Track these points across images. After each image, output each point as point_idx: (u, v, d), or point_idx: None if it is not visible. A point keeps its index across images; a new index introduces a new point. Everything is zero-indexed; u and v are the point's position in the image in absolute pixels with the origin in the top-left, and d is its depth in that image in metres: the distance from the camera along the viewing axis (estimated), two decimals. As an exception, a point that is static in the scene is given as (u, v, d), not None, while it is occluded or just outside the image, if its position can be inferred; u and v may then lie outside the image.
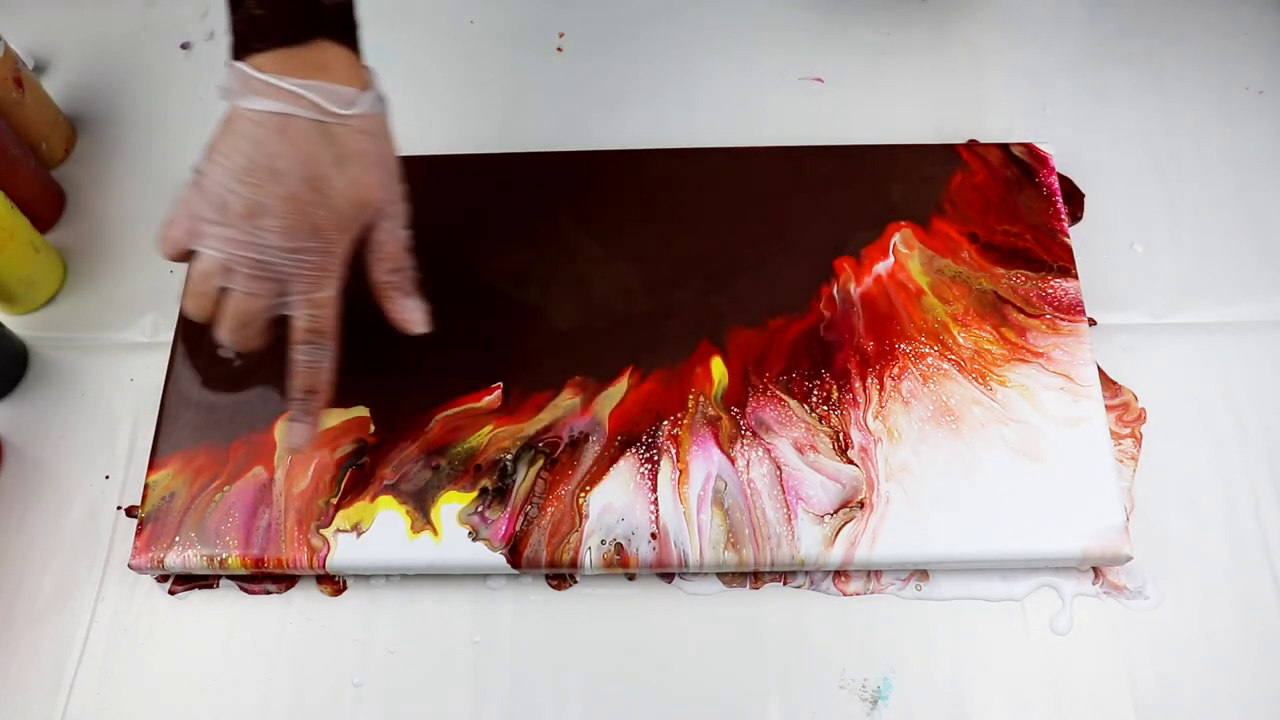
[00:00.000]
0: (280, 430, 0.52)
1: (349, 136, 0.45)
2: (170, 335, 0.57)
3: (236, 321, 0.46)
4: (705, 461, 0.51)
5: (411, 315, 0.49)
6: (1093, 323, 0.56)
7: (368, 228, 0.47)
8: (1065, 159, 0.60)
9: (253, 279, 0.44)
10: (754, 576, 0.51)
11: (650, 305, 0.56)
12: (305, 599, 0.52)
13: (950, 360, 0.53)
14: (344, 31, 0.46)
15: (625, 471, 0.51)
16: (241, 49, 0.44)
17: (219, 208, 0.44)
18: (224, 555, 0.51)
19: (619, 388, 0.53)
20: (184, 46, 0.70)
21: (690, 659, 0.50)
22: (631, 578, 0.52)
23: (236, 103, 0.44)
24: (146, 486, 0.52)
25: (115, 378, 0.58)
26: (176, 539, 0.51)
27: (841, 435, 0.52)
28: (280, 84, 0.43)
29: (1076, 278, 0.55)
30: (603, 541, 0.50)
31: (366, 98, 0.46)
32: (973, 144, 0.60)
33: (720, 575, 0.51)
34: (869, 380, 0.53)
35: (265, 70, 0.43)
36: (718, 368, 0.54)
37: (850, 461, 0.51)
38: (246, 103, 0.44)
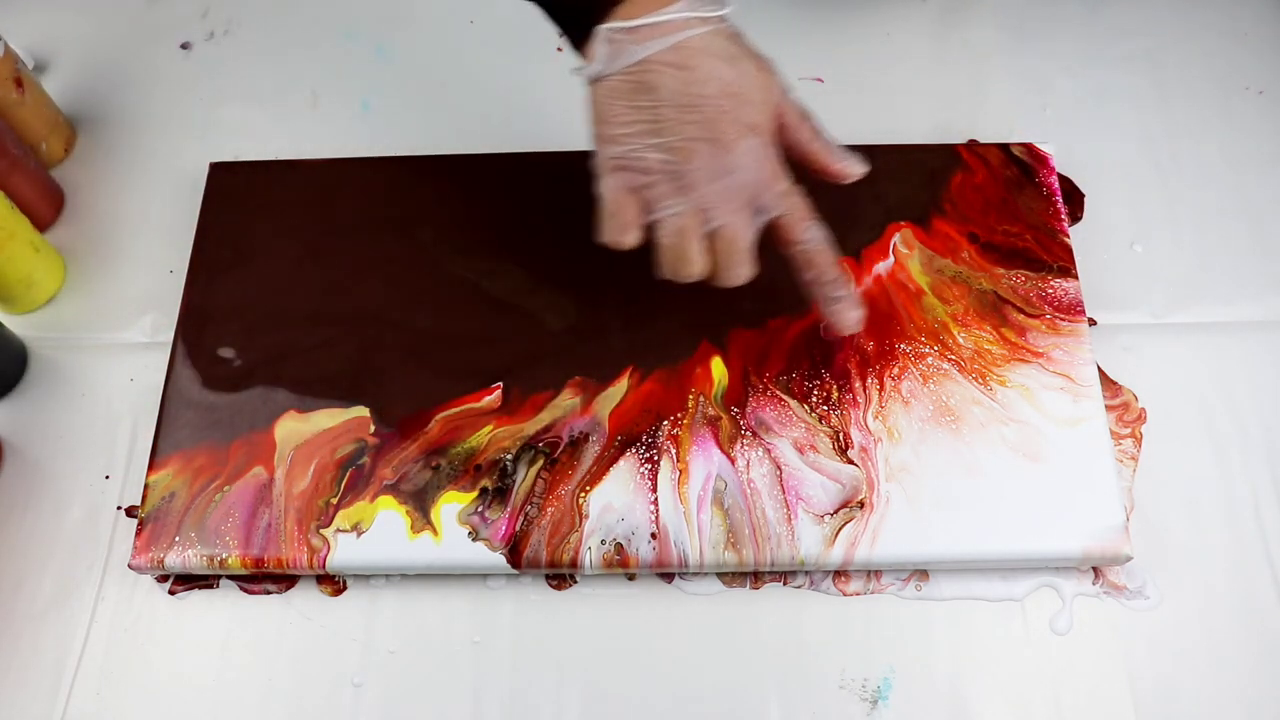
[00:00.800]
0: (832, 319, 0.49)
1: (729, 37, 0.45)
2: (170, 335, 0.57)
3: (734, 258, 0.46)
4: (705, 461, 0.51)
5: (849, 162, 0.49)
6: (1093, 323, 0.56)
7: (781, 109, 0.46)
8: (1065, 159, 0.60)
9: (731, 211, 0.45)
10: (754, 576, 0.51)
11: (650, 305, 0.56)
12: (305, 599, 0.52)
13: (950, 360, 0.53)
14: None
15: (625, 471, 0.51)
16: (593, 14, 0.44)
17: (662, 172, 0.44)
18: (224, 555, 0.51)
19: (619, 388, 0.53)
20: (184, 46, 0.70)
21: (690, 659, 0.50)
22: (631, 578, 0.52)
23: (605, 72, 0.44)
24: (146, 486, 0.52)
25: (115, 378, 0.58)
26: (176, 539, 0.51)
27: (841, 435, 0.52)
28: (657, 19, 0.43)
29: (1076, 278, 0.55)
30: (603, 541, 0.50)
31: (732, 2, 0.46)
32: (973, 144, 0.60)
33: (720, 575, 0.51)
34: (869, 380, 0.53)
35: (636, 16, 0.43)
36: (718, 368, 0.54)
37: (850, 461, 0.51)
38: (621, 62, 0.43)
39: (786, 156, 0.47)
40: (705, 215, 0.45)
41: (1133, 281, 0.58)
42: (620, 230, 0.46)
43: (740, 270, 0.46)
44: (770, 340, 0.54)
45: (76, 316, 0.61)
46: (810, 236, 0.47)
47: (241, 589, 0.53)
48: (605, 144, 0.45)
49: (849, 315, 0.49)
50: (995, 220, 0.57)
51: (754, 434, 0.52)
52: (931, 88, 0.65)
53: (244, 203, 0.60)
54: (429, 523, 0.51)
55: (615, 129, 0.45)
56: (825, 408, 0.52)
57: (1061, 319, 0.54)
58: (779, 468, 0.51)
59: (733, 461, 0.51)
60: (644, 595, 0.51)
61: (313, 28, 0.70)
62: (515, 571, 0.50)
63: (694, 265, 0.46)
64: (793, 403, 0.53)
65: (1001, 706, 0.48)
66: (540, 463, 0.52)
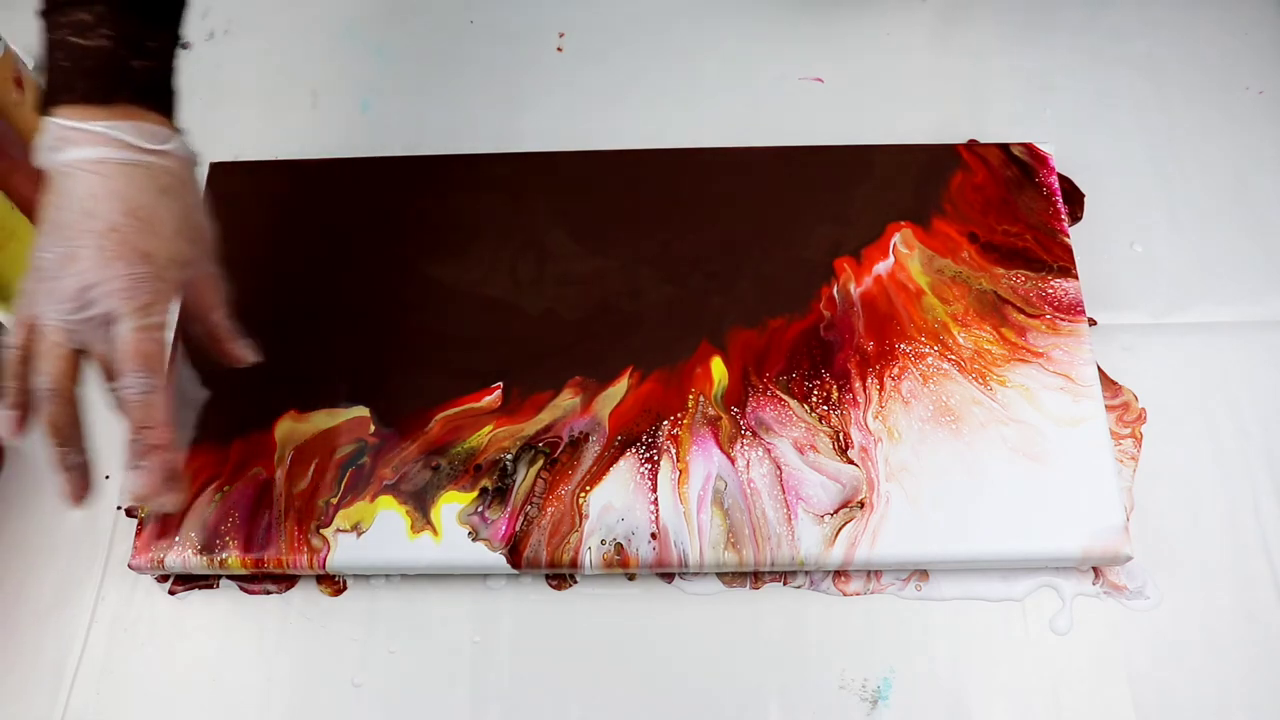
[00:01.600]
0: (125, 482, 0.46)
1: (164, 171, 0.44)
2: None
3: (69, 376, 0.43)
4: (705, 461, 0.51)
5: (244, 352, 0.49)
6: (1093, 323, 0.56)
7: (191, 269, 0.45)
8: (1065, 159, 0.60)
9: (82, 321, 0.42)
10: (754, 576, 0.51)
11: (650, 305, 0.56)
12: (305, 599, 0.52)
13: (950, 360, 0.53)
14: (155, 97, 0.45)
15: (625, 471, 0.51)
16: (50, 100, 0.43)
17: (40, 275, 0.42)
18: (224, 555, 0.51)
19: (619, 388, 0.53)
20: (184, 46, 0.70)
21: (690, 659, 0.50)
22: (631, 578, 0.52)
23: (52, 161, 0.43)
24: (146, 486, 0.52)
25: (115, 378, 0.58)
26: (176, 539, 0.51)
27: (841, 435, 0.52)
28: (89, 126, 0.42)
29: (1076, 278, 0.55)
30: (603, 541, 0.50)
31: (178, 140, 0.45)
32: (973, 144, 0.60)
33: (720, 575, 0.51)
34: (869, 380, 0.53)
35: (73, 119, 0.42)
36: (718, 368, 0.54)
37: (850, 461, 0.51)
38: (62, 156, 0.43)
39: (190, 322, 0.47)
40: (67, 325, 0.42)
41: (1133, 281, 0.58)
42: (10, 346, 0.43)
43: (58, 386, 0.43)
44: (770, 340, 0.54)
45: (76, 316, 0.61)
46: (132, 383, 0.43)
47: (241, 589, 0.53)
48: (35, 240, 0.43)
49: (135, 485, 0.44)
50: (995, 220, 0.57)
51: (754, 434, 0.52)
52: (931, 88, 0.65)
53: (244, 203, 0.60)
54: (429, 523, 0.51)
55: (38, 225, 0.43)
56: (825, 408, 0.52)
57: (1061, 319, 0.54)
58: (779, 468, 0.51)
59: (733, 461, 0.51)
60: (644, 595, 0.51)
61: (313, 28, 0.70)
62: (515, 571, 0.50)
63: (45, 378, 0.43)
64: (793, 403, 0.53)
65: (1001, 706, 0.48)
66: (540, 463, 0.52)
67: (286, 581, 0.53)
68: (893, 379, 0.53)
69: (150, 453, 0.44)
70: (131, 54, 0.44)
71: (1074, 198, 0.60)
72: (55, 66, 0.44)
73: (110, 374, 0.44)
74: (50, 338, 0.43)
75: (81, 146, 0.42)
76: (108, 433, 0.56)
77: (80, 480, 0.45)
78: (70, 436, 0.44)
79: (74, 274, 0.42)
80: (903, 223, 0.57)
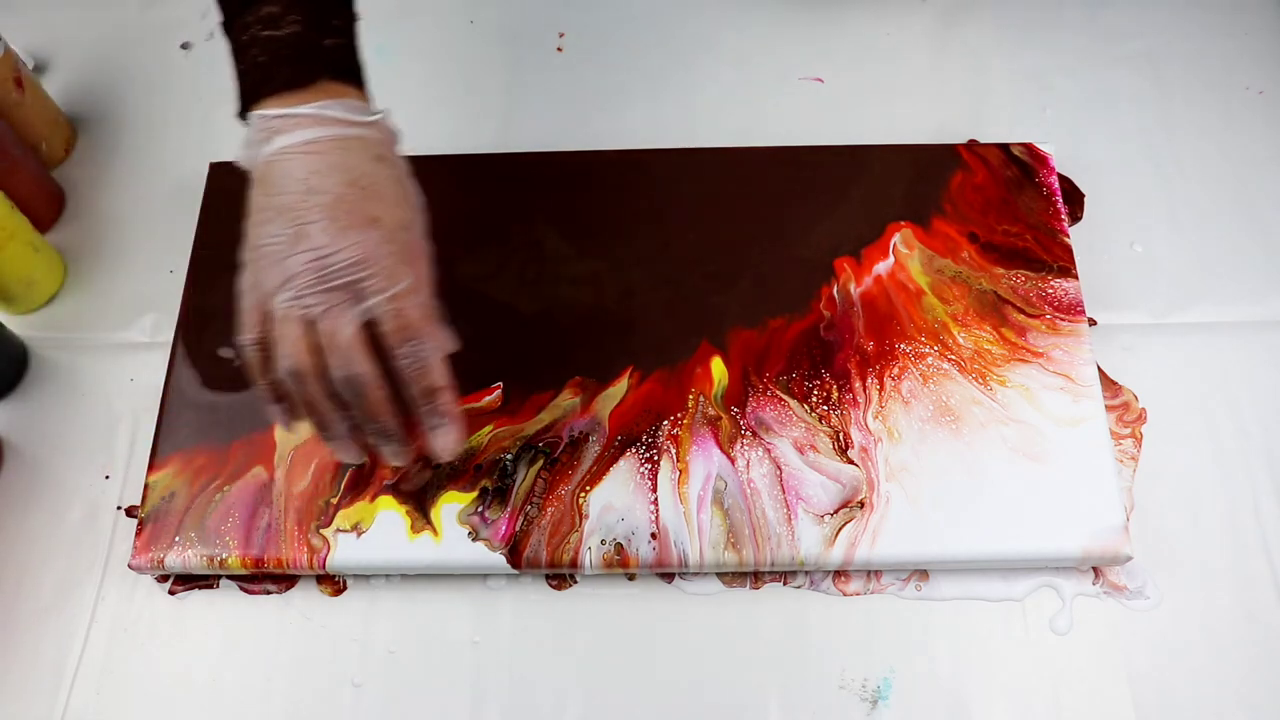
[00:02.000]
0: (436, 442, 0.45)
1: (375, 142, 0.44)
2: (170, 335, 0.57)
3: (335, 353, 0.41)
4: (705, 461, 0.51)
5: (446, 337, 0.46)
6: (1093, 323, 0.56)
7: (410, 225, 0.45)
8: (1065, 159, 0.60)
9: (324, 293, 0.41)
10: (754, 576, 0.51)
11: (650, 305, 0.56)
12: (305, 599, 0.52)
13: (950, 360, 0.53)
14: (348, 73, 0.45)
15: (625, 471, 0.51)
16: (250, 98, 0.44)
17: (273, 263, 0.42)
18: (224, 555, 0.51)
19: (619, 388, 0.53)
20: (184, 46, 0.70)
21: (690, 659, 0.50)
22: (631, 578, 0.52)
23: (259, 154, 0.43)
24: (146, 486, 0.52)
25: (115, 378, 0.58)
26: (176, 539, 0.51)
27: (841, 435, 0.52)
28: (296, 111, 0.42)
29: (1076, 278, 0.55)
30: (603, 541, 0.50)
31: (383, 112, 0.45)
32: (973, 144, 0.60)
33: (720, 575, 0.51)
34: (869, 380, 0.53)
35: (276, 108, 0.43)
36: (718, 368, 0.54)
37: (850, 461, 0.51)
38: (268, 149, 0.42)
39: None
40: (306, 310, 0.41)
41: (1133, 281, 0.58)
42: (244, 336, 0.43)
43: (350, 369, 0.42)
44: (770, 340, 0.54)
45: (76, 316, 0.61)
46: (408, 352, 0.43)
47: (241, 589, 0.53)
48: (247, 236, 0.43)
49: (441, 441, 0.45)
50: (995, 220, 0.57)
51: (754, 434, 0.52)
52: (931, 88, 0.65)
53: (244, 203, 0.60)
54: (429, 523, 0.51)
55: (252, 218, 0.43)
56: (825, 408, 0.52)
57: (1061, 319, 0.54)
58: (779, 468, 0.51)
59: (733, 461, 0.51)
60: (644, 595, 0.51)
61: (313, 28, 0.70)
62: (515, 571, 0.50)
63: (289, 359, 0.42)
64: (793, 403, 0.53)
65: (1001, 706, 0.48)
66: (540, 463, 0.52)
67: (286, 581, 0.53)
68: (893, 379, 0.53)
69: (444, 412, 0.44)
70: (322, 34, 0.44)
71: (1074, 198, 0.60)
72: (251, 65, 0.44)
73: (362, 347, 0.42)
74: (284, 321, 0.42)
75: (291, 133, 0.42)
76: (107, 432, 0.57)
77: (396, 447, 0.45)
78: (327, 411, 0.43)
79: (308, 249, 0.41)
80: (903, 223, 0.57)
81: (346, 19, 0.46)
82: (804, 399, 0.53)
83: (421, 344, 0.43)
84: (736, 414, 0.52)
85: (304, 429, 0.48)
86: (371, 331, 0.42)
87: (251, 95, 0.44)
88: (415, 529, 0.51)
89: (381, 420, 0.44)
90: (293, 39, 0.44)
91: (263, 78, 0.43)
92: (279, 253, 0.42)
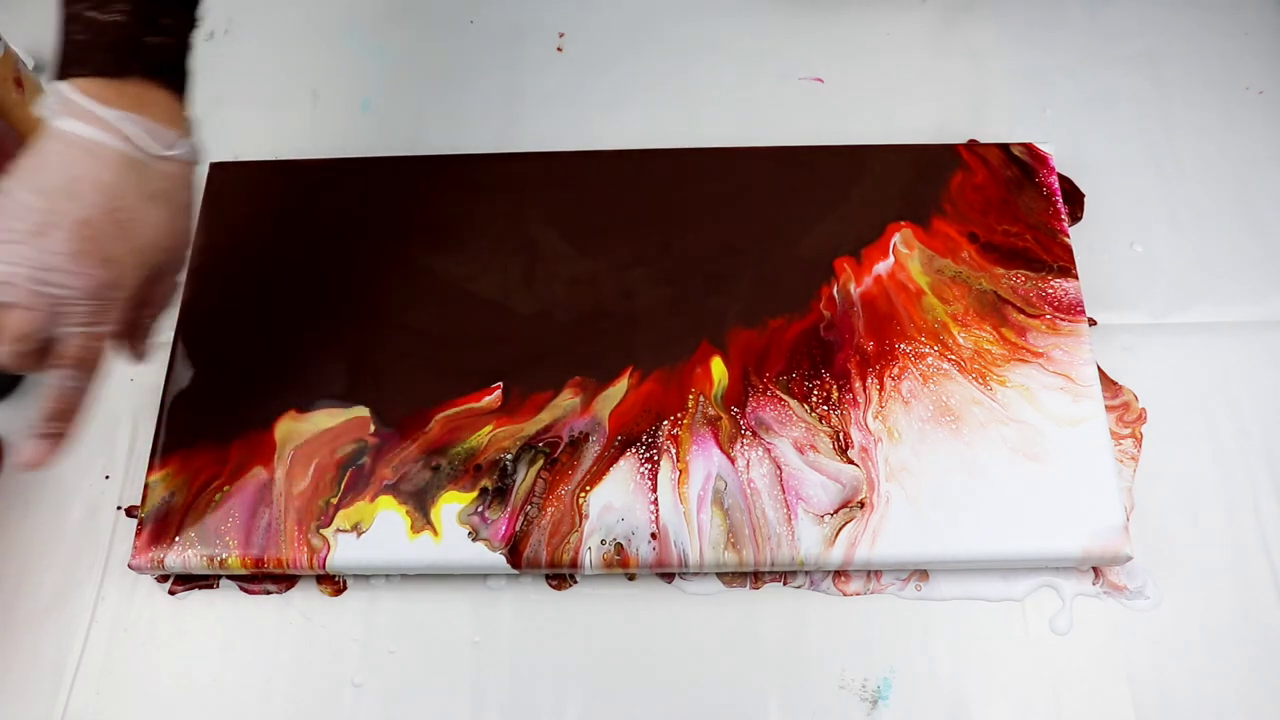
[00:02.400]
0: (17, 447, 0.46)
1: (159, 177, 0.44)
2: (170, 335, 0.57)
3: (10, 337, 0.42)
4: (705, 461, 0.51)
5: (141, 353, 0.48)
6: (1093, 323, 0.56)
7: (156, 276, 0.45)
8: (1065, 159, 0.60)
9: (31, 294, 0.42)
10: (754, 576, 0.51)
11: (650, 305, 0.56)
12: (305, 599, 0.52)
13: (950, 360, 0.53)
14: (168, 74, 0.45)
15: (625, 471, 0.51)
16: (64, 69, 0.43)
17: (10, 221, 0.42)
18: (224, 555, 0.51)
19: (619, 388, 0.53)
20: (197, 27, 0.70)
21: (690, 659, 0.50)
22: (631, 578, 0.52)
23: (53, 120, 0.43)
24: (146, 486, 0.52)
25: (115, 378, 0.58)
26: (176, 539, 0.51)
27: (841, 435, 0.52)
28: (100, 112, 0.42)
29: (1076, 278, 0.55)
30: (603, 541, 0.50)
31: (185, 144, 0.45)
32: (973, 144, 0.60)
33: (720, 575, 0.51)
34: (869, 380, 0.53)
35: (86, 94, 0.42)
36: (718, 368, 0.54)
37: (850, 461, 0.51)
38: (62, 123, 0.42)
39: (128, 307, 0.45)
40: (10, 288, 0.42)
41: (1133, 281, 0.58)
42: None
43: (11, 356, 0.42)
44: (770, 340, 0.54)
45: (76, 316, 0.61)
46: (55, 377, 0.43)
47: (241, 589, 0.53)
48: (10, 170, 0.43)
49: (29, 455, 0.44)
50: (995, 220, 0.57)
51: (754, 434, 0.52)
52: (931, 88, 0.65)
53: (244, 203, 0.60)
54: (429, 523, 0.51)
55: (20, 167, 0.43)
56: (825, 408, 0.52)
57: (1061, 319, 0.54)
58: (779, 468, 0.51)
59: (733, 461, 0.51)
60: (644, 595, 0.51)
61: (313, 28, 0.70)
62: (515, 571, 0.50)
63: None
64: (793, 403, 0.53)
65: (1001, 706, 0.48)
66: (540, 463, 0.52)
67: (286, 581, 0.53)
68: (893, 379, 0.53)
69: (54, 439, 0.44)
70: (145, 30, 0.44)
71: (1074, 198, 0.60)
72: (70, 40, 0.44)
73: (37, 348, 0.43)
74: None
75: (86, 123, 0.42)
76: (107, 432, 0.57)
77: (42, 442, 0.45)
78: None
79: (39, 249, 0.41)
80: (903, 223, 0.57)
81: (181, 20, 0.46)
82: (804, 399, 0.53)
83: (81, 381, 0.44)
84: (736, 414, 0.52)
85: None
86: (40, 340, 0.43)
87: (65, 69, 0.43)
88: (415, 529, 0.51)
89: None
90: (113, 27, 0.43)
91: (77, 57, 0.43)
92: (16, 222, 0.42)
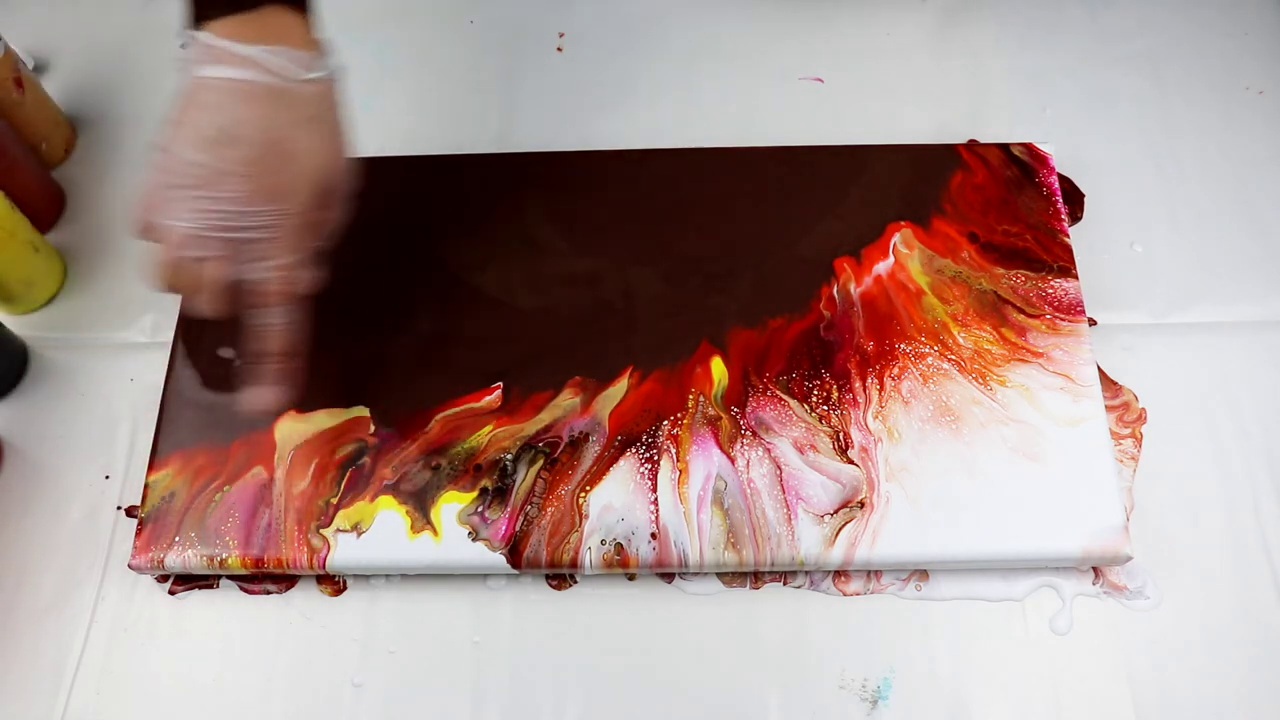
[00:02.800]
0: (251, 396, 0.48)
1: (309, 101, 0.45)
2: (170, 335, 0.57)
3: (210, 288, 0.45)
4: (705, 461, 0.51)
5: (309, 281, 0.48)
6: (1093, 323, 0.56)
7: (326, 199, 0.46)
8: (1065, 159, 0.60)
9: (223, 243, 0.44)
10: (754, 576, 0.51)
11: (650, 305, 0.56)
12: (305, 599, 0.52)
13: (950, 360, 0.53)
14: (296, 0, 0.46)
15: (625, 471, 0.51)
16: (198, 17, 0.44)
17: (183, 177, 0.43)
18: (224, 555, 0.51)
19: (619, 388, 0.53)
20: (184, 46, 0.70)
21: (690, 659, 0.50)
22: (631, 578, 0.52)
23: (196, 72, 0.44)
24: (146, 486, 0.52)
25: (115, 378, 0.58)
26: (176, 539, 0.51)
27: (841, 435, 0.52)
28: (239, 49, 0.43)
29: (1076, 278, 0.55)
30: (603, 541, 0.50)
31: (322, 64, 0.46)
32: (973, 144, 0.60)
33: (720, 575, 0.51)
34: (869, 380, 0.53)
35: (223, 36, 0.43)
36: (718, 368, 0.54)
37: (850, 461, 0.51)
38: (206, 71, 0.43)
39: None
40: (200, 242, 0.44)
41: (1133, 281, 0.58)
42: (134, 218, 0.45)
43: (196, 300, 0.45)
44: (770, 340, 0.54)
45: (76, 316, 0.61)
46: (259, 316, 0.46)
47: (241, 589, 0.53)
48: (168, 134, 0.44)
49: (252, 396, 0.47)
50: (995, 220, 0.57)
51: (754, 434, 0.52)
52: (931, 88, 0.65)
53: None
54: (429, 523, 0.51)
55: (179, 128, 0.44)
56: (825, 408, 0.52)
57: (1061, 319, 0.54)
58: (779, 468, 0.51)
59: (733, 461, 0.51)
60: (644, 595, 0.51)
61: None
62: (515, 571, 0.50)
63: (163, 278, 0.45)
64: (793, 403, 0.53)
65: (1001, 706, 0.48)
66: (540, 463, 0.52)
67: (286, 581, 0.53)
68: (893, 379, 0.53)
69: (281, 377, 0.47)
70: None
71: (1074, 198, 0.60)
72: None
73: (235, 294, 0.45)
74: (174, 243, 0.44)
75: (230, 66, 0.43)
76: (107, 432, 0.57)
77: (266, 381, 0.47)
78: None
79: (215, 199, 0.43)
80: (903, 223, 0.57)
81: None
82: (804, 399, 0.53)
83: (287, 314, 0.46)
84: (736, 414, 0.52)
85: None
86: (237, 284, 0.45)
87: (200, 13, 0.44)
88: (415, 529, 0.51)
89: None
90: None
91: (208, 1, 0.44)
92: (189, 178, 0.43)
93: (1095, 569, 0.51)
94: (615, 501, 0.51)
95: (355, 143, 0.48)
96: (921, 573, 0.51)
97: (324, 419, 0.53)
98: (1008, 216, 0.57)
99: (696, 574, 0.51)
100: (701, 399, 0.53)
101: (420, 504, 0.51)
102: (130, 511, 0.55)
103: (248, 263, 0.45)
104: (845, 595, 0.51)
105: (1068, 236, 0.56)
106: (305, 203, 0.45)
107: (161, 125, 0.44)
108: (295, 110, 0.44)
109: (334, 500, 0.51)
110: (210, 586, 0.53)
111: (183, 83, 0.44)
